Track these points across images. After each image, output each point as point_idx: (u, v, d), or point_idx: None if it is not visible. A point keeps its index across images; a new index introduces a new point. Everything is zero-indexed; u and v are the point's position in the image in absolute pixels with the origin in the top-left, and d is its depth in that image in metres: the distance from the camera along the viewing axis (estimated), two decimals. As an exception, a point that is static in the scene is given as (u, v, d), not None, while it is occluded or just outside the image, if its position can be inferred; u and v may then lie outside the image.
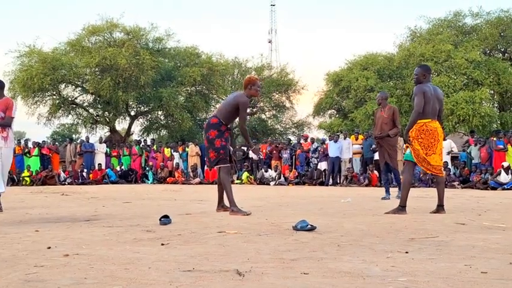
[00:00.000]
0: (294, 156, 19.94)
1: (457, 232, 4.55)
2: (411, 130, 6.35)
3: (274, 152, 20.36)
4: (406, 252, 3.46)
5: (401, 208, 6.46)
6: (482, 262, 3.08)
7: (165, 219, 5.33)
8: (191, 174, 20.06)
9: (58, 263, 3.09)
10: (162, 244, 3.86)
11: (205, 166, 20.48)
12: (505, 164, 14.82)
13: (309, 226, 4.70)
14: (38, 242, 3.99)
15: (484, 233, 4.46)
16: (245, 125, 6.63)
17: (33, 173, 19.62)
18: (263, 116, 31.48)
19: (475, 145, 16.80)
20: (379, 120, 9.50)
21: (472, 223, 5.27)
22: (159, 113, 28.41)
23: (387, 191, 9.65)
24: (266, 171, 19.60)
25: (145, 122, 29.47)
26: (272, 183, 18.87)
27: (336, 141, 18.30)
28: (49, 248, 3.68)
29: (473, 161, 16.65)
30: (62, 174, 20.23)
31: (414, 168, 6.84)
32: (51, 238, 4.24)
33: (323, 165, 18.76)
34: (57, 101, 26.36)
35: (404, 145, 6.75)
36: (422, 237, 4.23)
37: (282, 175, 19.31)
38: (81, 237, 4.28)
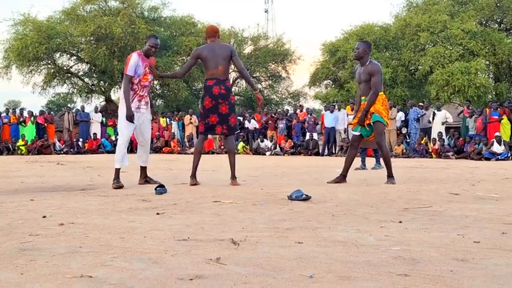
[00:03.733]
0: (290, 126, 19.96)
1: (451, 202, 4.58)
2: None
3: (270, 122, 20.36)
4: (400, 222, 3.49)
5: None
6: (475, 232, 3.11)
7: (161, 189, 5.35)
8: (187, 144, 20.06)
9: (53, 232, 3.10)
10: (158, 213, 3.87)
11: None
12: (498, 135, 14.88)
13: (304, 196, 4.73)
14: (33, 211, 4.00)
15: (478, 203, 4.49)
16: (245, 68, 6.53)
17: (29, 142, 19.58)
18: (259, 86, 31.37)
19: (470, 116, 16.82)
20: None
21: (466, 193, 5.31)
22: (155, 82, 28.25)
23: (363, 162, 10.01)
24: (262, 141, 19.63)
25: (141, 92, 29.34)
26: (268, 153, 18.91)
27: (331, 112, 18.29)
28: (44, 217, 3.69)
29: (469, 132, 16.69)
30: (58, 144, 20.20)
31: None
32: (47, 207, 4.25)
33: (314, 135, 18.90)
34: (52, 70, 26.19)
35: (353, 121, 6.87)
36: (416, 207, 4.26)
37: (277, 145, 19.35)
38: (76, 206, 4.29)
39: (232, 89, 31.58)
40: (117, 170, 6.06)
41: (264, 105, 28.40)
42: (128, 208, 4.21)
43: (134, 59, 6.04)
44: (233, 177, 6.35)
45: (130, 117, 6.02)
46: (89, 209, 4.16)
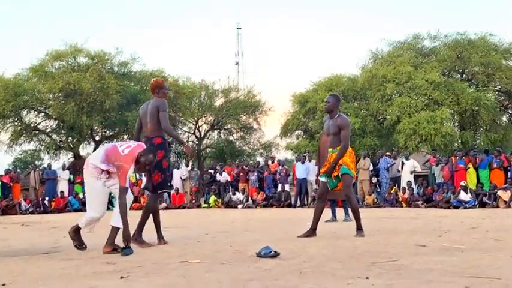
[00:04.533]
0: (261, 178, 19.96)
1: (417, 255, 4.61)
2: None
3: (242, 174, 20.33)
4: (367, 278, 3.48)
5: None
6: (439, 286, 3.13)
7: (127, 250, 5.25)
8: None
9: (12, 302, 3.01)
10: (121, 277, 3.79)
11: (172, 191, 20.33)
12: (463, 184, 15.14)
13: (273, 252, 4.70)
14: (-7, 279, 3.88)
15: (443, 255, 4.52)
16: (169, 125, 6.16)
17: (-7, 203, 19.07)
18: (231, 138, 31.51)
19: (437, 165, 17.11)
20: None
21: (432, 245, 5.35)
22: (125, 137, 28.10)
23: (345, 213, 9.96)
24: (234, 194, 19.55)
25: (111, 147, 29.13)
26: (240, 206, 18.82)
27: (303, 163, 18.41)
28: (3, 285, 3.58)
29: (436, 180, 16.94)
30: (23, 203, 19.72)
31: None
32: (8, 273, 4.13)
33: (286, 187, 18.95)
34: (19, 128, 25.88)
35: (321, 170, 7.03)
36: (383, 261, 4.27)
37: (249, 197, 19.29)
38: (38, 272, 4.18)
39: (204, 142, 31.89)
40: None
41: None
42: (91, 272, 4.11)
43: (131, 170, 5.53)
44: (159, 237, 6.16)
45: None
46: (51, 274, 4.05)
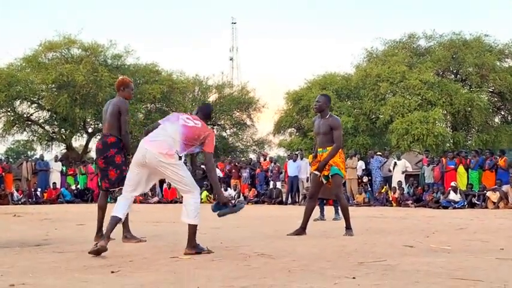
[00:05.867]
0: (253, 175, 20.01)
1: (405, 255, 4.67)
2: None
3: (234, 170, 20.39)
4: (354, 278, 3.54)
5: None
6: (425, 287, 3.18)
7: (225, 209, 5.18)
8: (149, 193, 19.84)
9: (3, 294, 3.04)
10: (112, 272, 3.83)
11: (164, 185, 20.35)
12: (453, 184, 15.25)
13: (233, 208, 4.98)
14: (-17, 271, 3.91)
15: (430, 256, 4.59)
16: (127, 130, 6.18)
17: (-15, 193, 19.04)
18: (224, 134, 31.53)
19: (428, 165, 17.22)
20: None
21: (420, 245, 5.41)
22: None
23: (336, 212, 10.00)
24: (225, 190, 19.57)
25: (103, 139, 29.07)
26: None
27: (294, 161, 18.46)
28: (-6, 277, 3.61)
29: (426, 180, 17.05)
30: (16, 194, 19.69)
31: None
32: (-1, 265, 4.15)
33: (278, 184, 18.99)
34: (12, 118, 25.79)
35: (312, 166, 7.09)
36: (370, 261, 4.33)
37: (241, 194, 19.34)
38: (29, 265, 4.20)
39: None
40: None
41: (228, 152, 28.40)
42: (82, 266, 4.14)
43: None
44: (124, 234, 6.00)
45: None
46: (41, 267, 4.08)
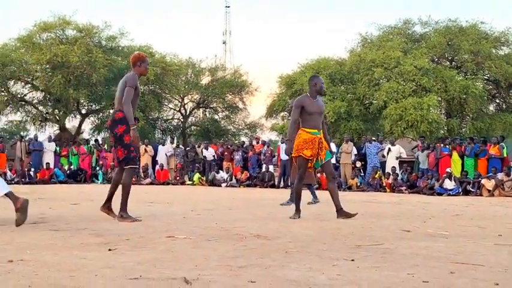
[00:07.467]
0: (246, 158, 20.01)
1: (402, 239, 4.67)
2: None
3: (226, 153, 20.37)
4: (352, 260, 3.53)
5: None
6: (425, 271, 3.17)
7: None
8: (142, 174, 19.82)
9: (2, 270, 3.01)
10: (110, 249, 3.81)
11: (157, 166, 20.33)
12: (449, 170, 15.29)
13: None
14: (-20, 247, 3.88)
15: (428, 241, 4.59)
16: (129, 103, 5.89)
17: (-23, 172, 18.93)
18: (216, 117, 31.48)
19: (422, 151, 17.26)
20: None
21: (417, 230, 5.42)
22: (111, 111, 27.91)
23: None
24: (218, 172, 19.59)
25: (97, 121, 28.94)
26: (223, 184, 18.88)
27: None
28: (-9, 253, 3.58)
29: (420, 166, 17.10)
30: (9, 173, 19.59)
31: None
32: (-5, 242, 4.12)
33: (270, 167, 19.01)
34: (6, 98, 25.66)
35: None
36: (368, 244, 4.32)
37: (233, 177, 19.35)
38: (26, 242, 4.18)
39: (189, 119, 31.77)
40: None
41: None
42: (79, 243, 4.12)
43: None
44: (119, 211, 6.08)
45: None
46: (39, 244, 4.06)
